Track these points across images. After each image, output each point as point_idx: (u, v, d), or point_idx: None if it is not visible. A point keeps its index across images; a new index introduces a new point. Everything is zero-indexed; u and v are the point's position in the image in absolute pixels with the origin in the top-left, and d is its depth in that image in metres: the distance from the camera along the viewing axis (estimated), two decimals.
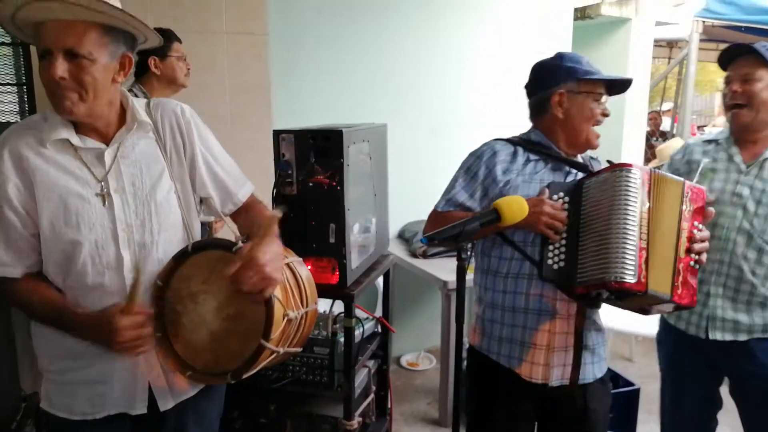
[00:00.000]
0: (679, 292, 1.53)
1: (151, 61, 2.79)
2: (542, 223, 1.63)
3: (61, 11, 1.31)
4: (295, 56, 3.64)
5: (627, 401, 2.91)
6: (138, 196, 1.47)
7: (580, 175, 1.76)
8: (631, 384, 2.97)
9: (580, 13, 5.09)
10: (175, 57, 2.84)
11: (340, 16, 3.75)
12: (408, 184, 3.60)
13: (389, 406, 2.51)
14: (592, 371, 1.79)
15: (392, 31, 3.92)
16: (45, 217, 1.40)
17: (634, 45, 5.16)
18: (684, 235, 1.56)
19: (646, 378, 3.93)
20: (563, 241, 1.65)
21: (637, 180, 1.56)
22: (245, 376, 1.41)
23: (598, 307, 1.76)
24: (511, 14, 4.30)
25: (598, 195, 1.61)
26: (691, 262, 1.57)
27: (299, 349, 1.60)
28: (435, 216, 1.84)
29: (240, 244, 1.42)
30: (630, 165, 1.59)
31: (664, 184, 1.59)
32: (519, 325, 1.74)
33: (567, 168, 1.79)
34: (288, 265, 1.55)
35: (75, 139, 1.42)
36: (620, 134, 5.32)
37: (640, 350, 4.35)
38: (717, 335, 1.98)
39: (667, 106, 12.09)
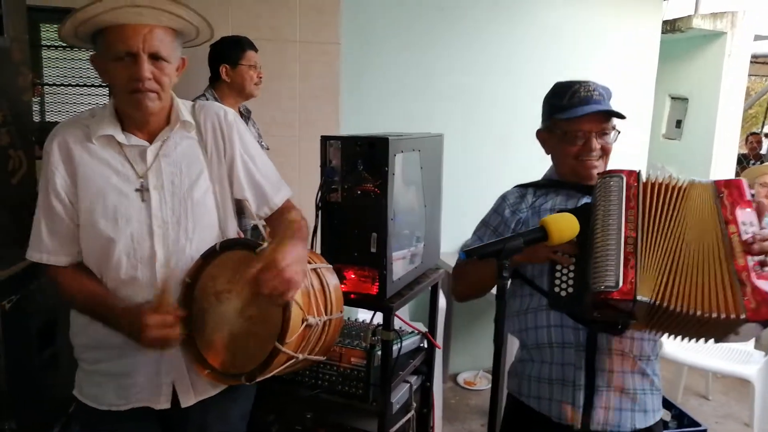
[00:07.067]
0: (753, 306, 1.28)
1: (222, 69, 2.81)
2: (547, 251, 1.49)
3: (150, 17, 1.38)
4: (365, 65, 3.65)
5: None
6: (176, 194, 1.51)
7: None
8: (697, 424, 2.75)
9: (669, 26, 4.80)
10: (246, 66, 2.83)
11: (412, 25, 3.73)
12: (475, 197, 3.50)
13: (431, 424, 2.43)
14: (630, 420, 1.57)
15: (465, 41, 3.85)
16: (84, 208, 1.46)
17: (728, 61, 4.82)
18: (735, 239, 1.35)
19: (722, 418, 3.66)
20: (571, 266, 1.48)
21: (614, 185, 1.43)
22: (259, 379, 1.40)
23: (619, 333, 1.51)
24: (594, 27, 4.14)
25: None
26: (756, 266, 1.32)
27: (322, 358, 1.57)
28: (455, 269, 1.83)
29: (265, 245, 1.40)
30: (612, 171, 1.47)
31: (668, 190, 1.42)
32: (547, 362, 1.61)
33: (580, 195, 1.65)
34: (315, 270, 1.53)
35: (120, 136, 1.48)
36: (710, 155, 5.00)
37: (718, 387, 4.04)
38: None
39: None
